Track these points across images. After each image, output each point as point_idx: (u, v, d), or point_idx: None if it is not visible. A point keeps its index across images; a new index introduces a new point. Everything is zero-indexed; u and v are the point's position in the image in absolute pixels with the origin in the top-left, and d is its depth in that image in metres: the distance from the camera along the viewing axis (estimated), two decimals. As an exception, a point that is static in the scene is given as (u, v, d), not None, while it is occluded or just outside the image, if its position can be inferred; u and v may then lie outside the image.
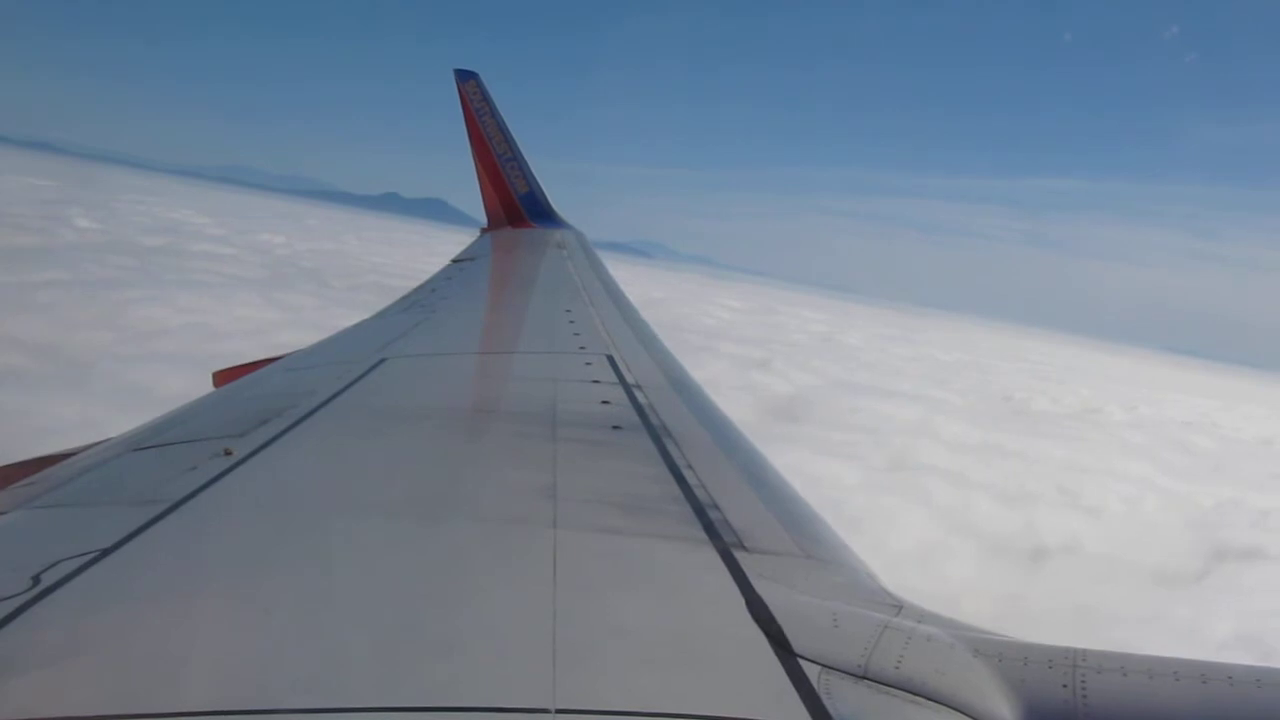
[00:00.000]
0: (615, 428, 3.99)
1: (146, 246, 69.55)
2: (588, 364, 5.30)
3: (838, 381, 59.77)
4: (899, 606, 2.41)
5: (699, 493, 3.20)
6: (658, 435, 3.92)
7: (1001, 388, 79.67)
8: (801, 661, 2.03)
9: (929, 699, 1.95)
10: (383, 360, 5.30)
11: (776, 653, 2.07)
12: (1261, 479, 53.13)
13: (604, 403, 4.41)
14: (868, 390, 58.68)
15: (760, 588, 2.40)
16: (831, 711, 1.87)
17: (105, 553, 2.42)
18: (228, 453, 3.35)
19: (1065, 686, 1.97)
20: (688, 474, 3.40)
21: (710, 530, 2.84)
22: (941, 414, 52.72)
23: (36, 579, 2.21)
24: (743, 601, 2.33)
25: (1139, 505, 39.58)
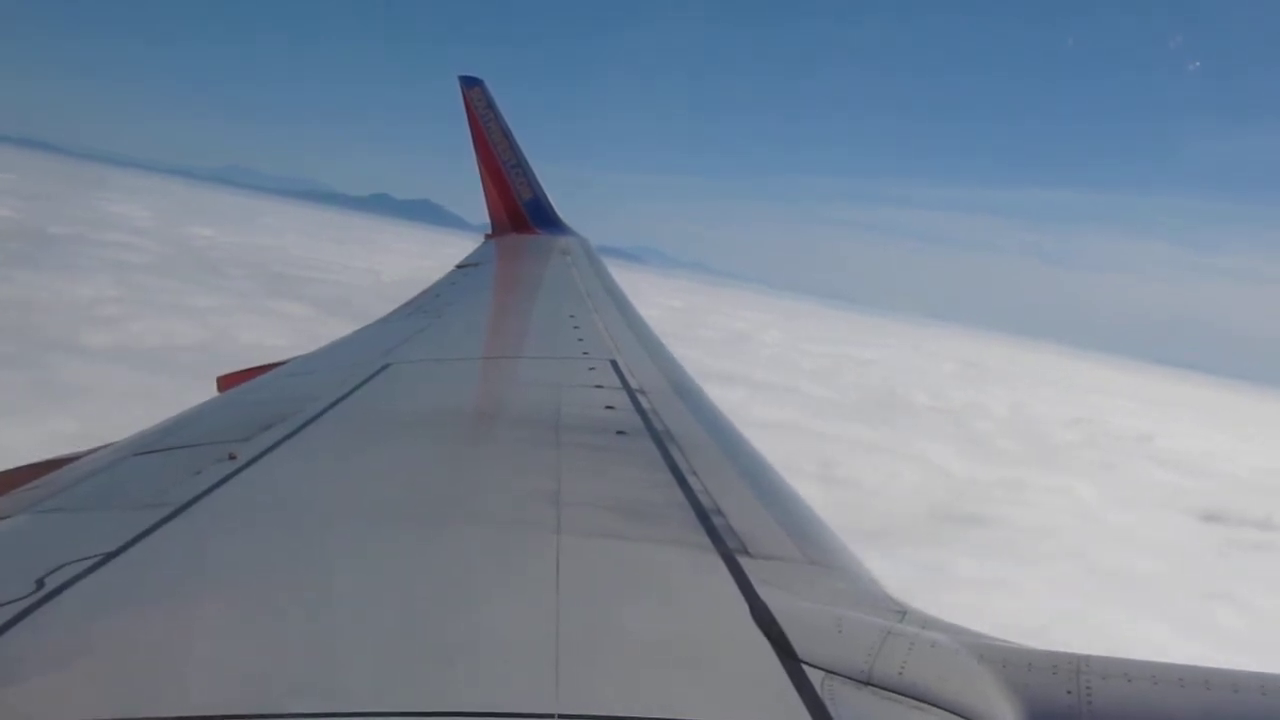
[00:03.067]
0: (619, 433, 3.96)
1: (49, 234, 68.84)
2: (592, 369, 5.25)
3: (695, 370, 61.51)
4: (902, 612, 2.39)
5: (703, 498, 3.17)
6: (661, 440, 3.88)
7: (896, 385, 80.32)
8: (805, 667, 2.01)
9: (933, 705, 1.93)
10: (387, 365, 5.23)
11: (780, 658, 2.05)
12: (1086, 466, 54.58)
13: (608, 408, 4.36)
14: (722, 378, 60.69)
15: (763, 593, 2.38)
16: (835, 717, 1.84)
17: (109, 557, 2.39)
18: (232, 457, 3.28)
19: (1069, 692, 1.96)
20: (691, 479, 3.37)
21: (714, 535, 2.81)
22: (773, 400, 53.19)
23: (41, 583, 2.19)
24: (746, 607, 2.31)
25: (897, 479, 40.68)
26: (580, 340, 6.25)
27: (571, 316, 7.23)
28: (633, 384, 4.91)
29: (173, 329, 40.99)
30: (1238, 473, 67.06)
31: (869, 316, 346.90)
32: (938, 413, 68.02)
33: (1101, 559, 33.15)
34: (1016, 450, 56.39)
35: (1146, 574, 31.56)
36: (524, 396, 4.87)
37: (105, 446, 3.98)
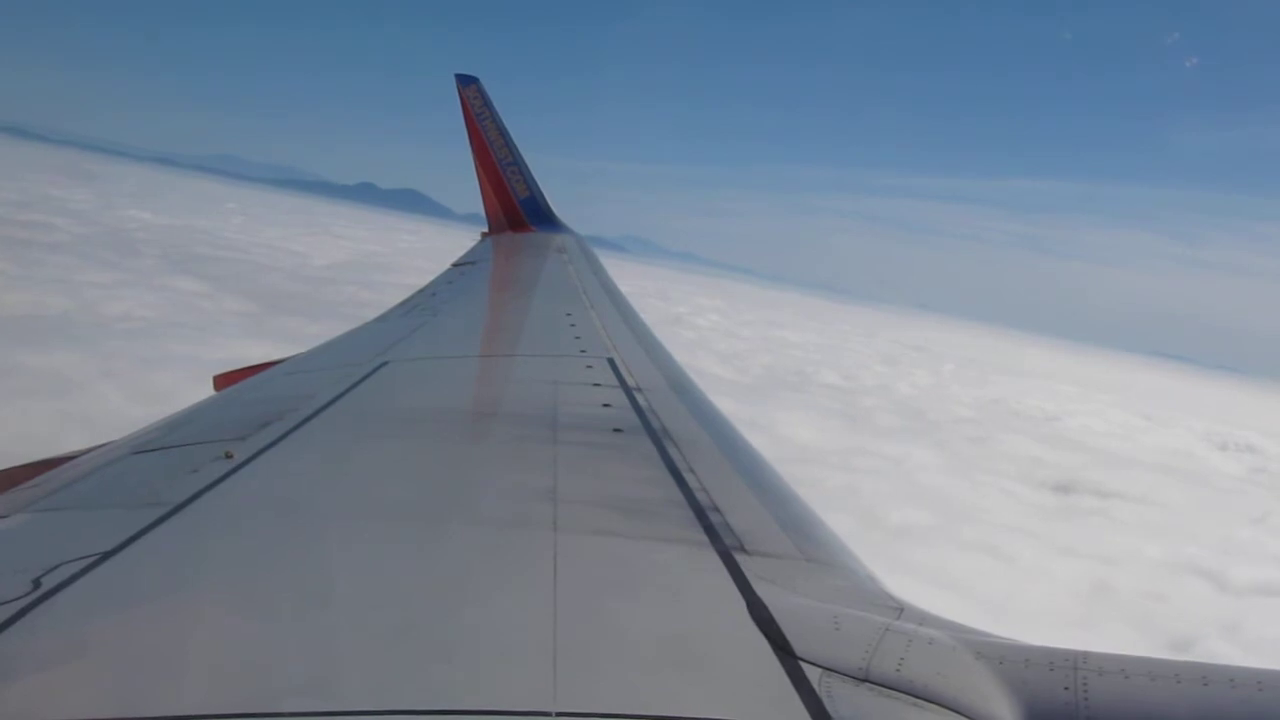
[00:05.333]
0: (616, 430, 3.92)
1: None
2: (589, 367, 5.22)
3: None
4: (900, 609, 2.41)
5: (700, 495, 3.15)
6: (659, 438, 3.84)
7: (810, 366, 79.20)
8: (802, 664, 2.02)
9: (931, 702, 1.94)
10: (384, 363, 5.19)
11: (777, 655, 2.05)
12: (951, 439, 54.00)
13: (605, 405, 4.33)
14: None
15: (761, 590, 2.39)
16: (833, 714, 1.85)
17: (106, 556, 2.37)
18: (228, 456, 3.24)
19: (1067, 689, 1.97)
20: (689, 477, 3.35)
21: (711, 533, 2.81)
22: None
23: (37, 582, 2.17)
24: (743, 604, 2.31)
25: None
26: (577, 338, 6.25)
27: (568, 315, 7.21)
28: (630, 382, 4.89)
29: (41, 299, 41.51)
30: (1133, 453, 65.80)
31: (847, 306, 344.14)
32: (834, 390, 67.32)
33: (885, 515, 33.63)
34: (889, 424, 55.87)
35: (917, 526, 32.77)
36: (521, 394, 4.83)
37: (102, 445, 3.94)
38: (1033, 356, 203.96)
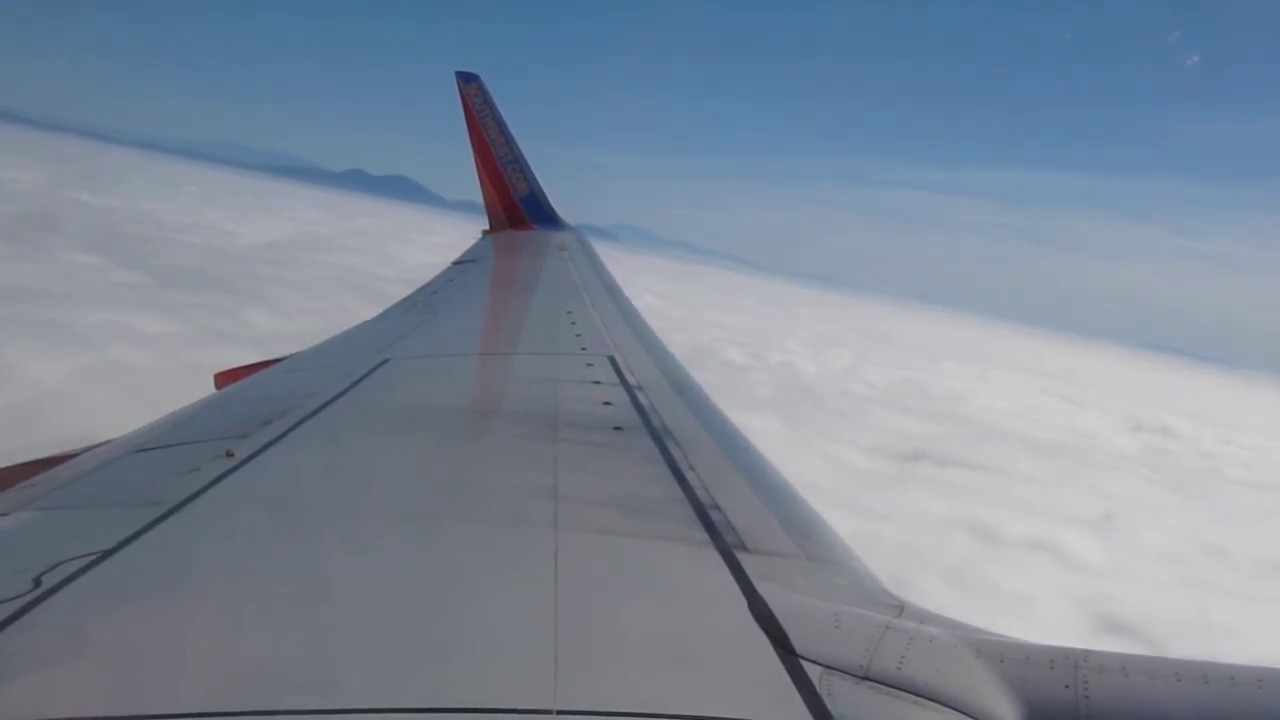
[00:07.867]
0: (617, 429, 3.91)
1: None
2: (589, 365, 5.18)
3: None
4: (900, 607, 2.41)
5: (701, 494, 3.17)
6: (659, 436, 3.82)
7: (720, 345, 76.83)
8: (803, 662, 2.01)
9: (931, 700, 1.94)
10: (385, 361, 5.12)
11: (778, 653, 2.05)
12: (822, 413, 53.50)
13: (606, 404, 4.30)
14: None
15: (762, 589, 2.38)
16: (833, 712, 1.84)
17: (107, 554, 2.34)
18: (229, 454, 3.21)
19: (1067, 687, 1.98)
20: (689, 475, 3.37)
21: (712, 531, 2.83)
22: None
23: (38, 580, 2.15)
24: (744, 602, 2.31)
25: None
26: (578, 336, 6.25)
27: (569, 313, 7.19)
28: (630, 380, 4.88)
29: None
30: (1025, 430, 63.13)
31: (838, 297, 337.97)
32: (729, 367, 65.01)
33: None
34: (761, 397, 53.98)
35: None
36: (522, 392, 4.80)
37: (103, 444, 3.87)
38: (1002, 346, 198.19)
